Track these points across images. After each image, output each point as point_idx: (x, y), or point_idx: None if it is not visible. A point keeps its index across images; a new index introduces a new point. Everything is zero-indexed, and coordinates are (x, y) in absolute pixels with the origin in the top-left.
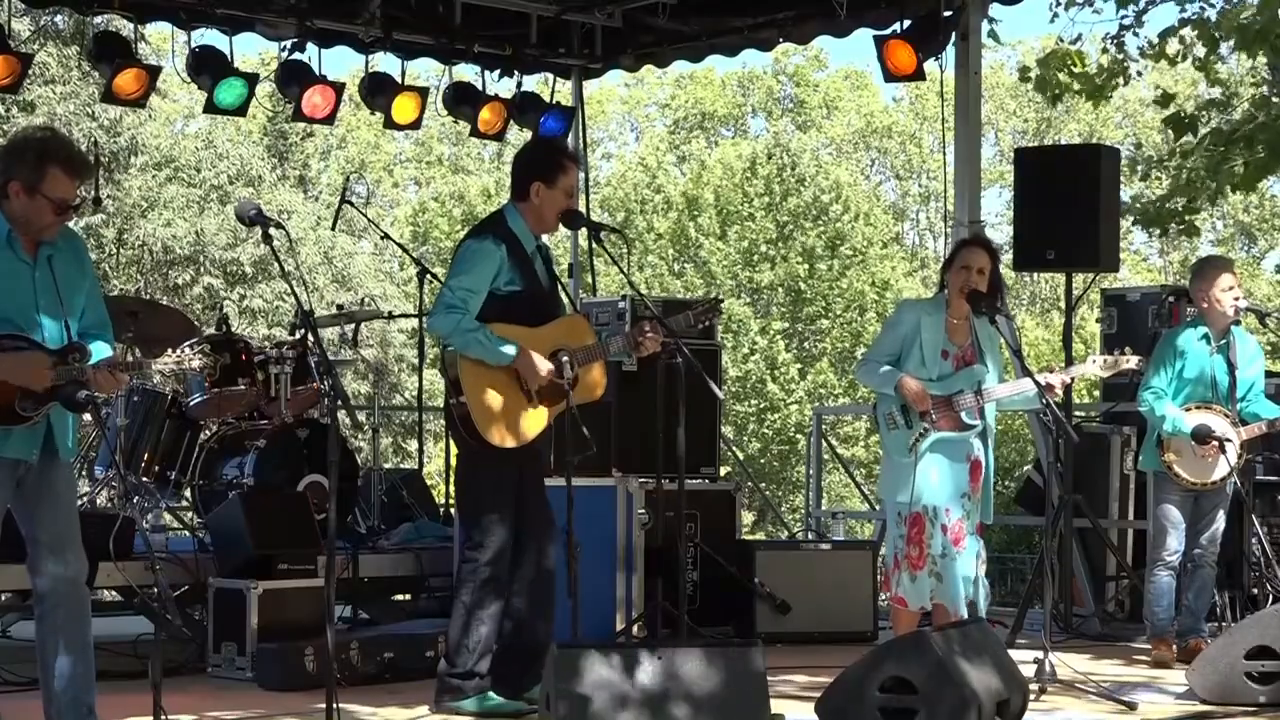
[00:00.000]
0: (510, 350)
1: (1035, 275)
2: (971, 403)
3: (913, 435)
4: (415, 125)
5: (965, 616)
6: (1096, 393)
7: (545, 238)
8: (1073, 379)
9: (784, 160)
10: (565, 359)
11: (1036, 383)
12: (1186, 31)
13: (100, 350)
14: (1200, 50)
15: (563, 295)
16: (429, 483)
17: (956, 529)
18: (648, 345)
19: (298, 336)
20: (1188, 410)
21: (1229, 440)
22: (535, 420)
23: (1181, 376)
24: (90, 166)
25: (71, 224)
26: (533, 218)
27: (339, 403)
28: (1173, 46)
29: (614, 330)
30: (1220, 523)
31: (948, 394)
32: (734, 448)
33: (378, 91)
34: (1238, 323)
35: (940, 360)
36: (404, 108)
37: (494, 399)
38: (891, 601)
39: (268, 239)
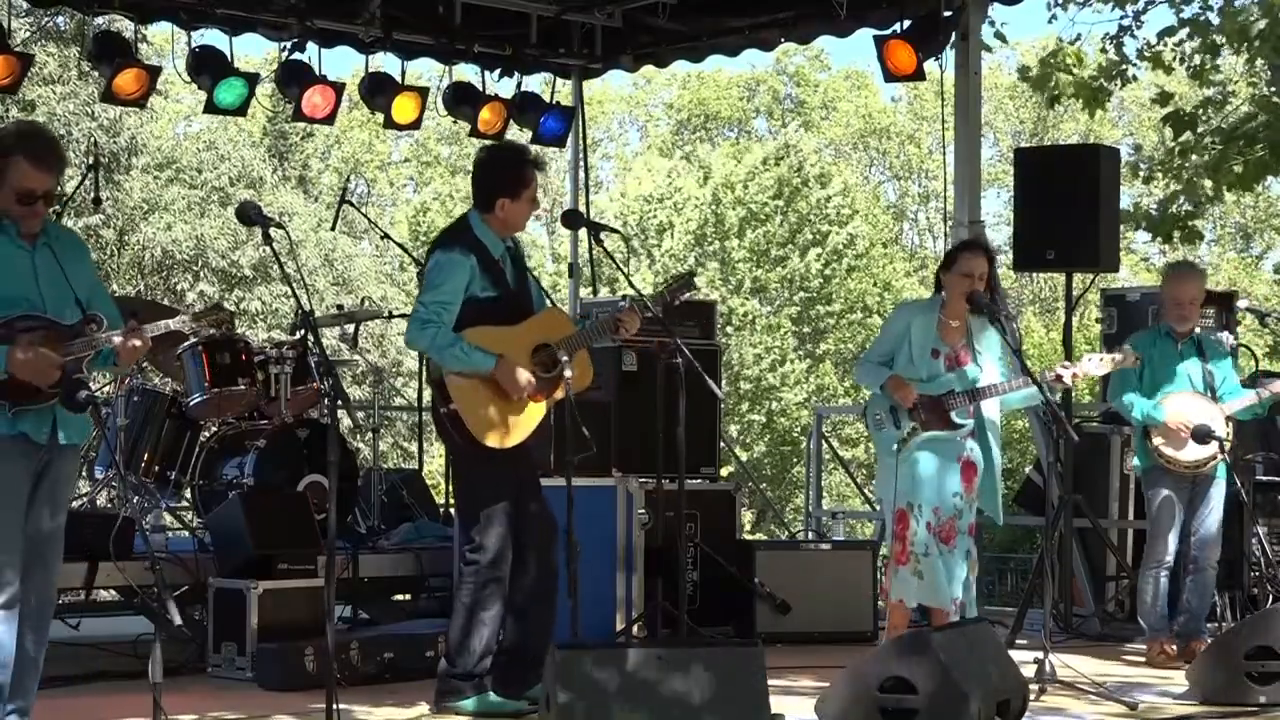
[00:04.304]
0: (489, 362)
1: (1034, 275)
2: (963, 402)
3: (901, 434)
4: (415, 125)
5: (952, 612)
6: (1097, 392)
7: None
8: (1074, 376)
9: (796, 161)
10: (564, 358)
11: (1036, 382)
12: (1184, 34)
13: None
14: (1196, 58)
15: (540, 291)
16: (429, 483)
17: (947, 527)
18: (628, 325)
19: (298, 337)
20: (1165, 399)
21: (1219, 437)
22: (529, 415)
23: (1154, 374)
24: (62, 159)
25: (70, 224)
26: (499, 225)
27: (339, 403)
28: (1169, 54)
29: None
30: (1217, 517)
31: (938, 393)
32: (734, 448)
33: (378, 91)
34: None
35: (930, 360)
36: (404, 108)
37: (484, 401)
38: (883, 595)
39: (268, 239)
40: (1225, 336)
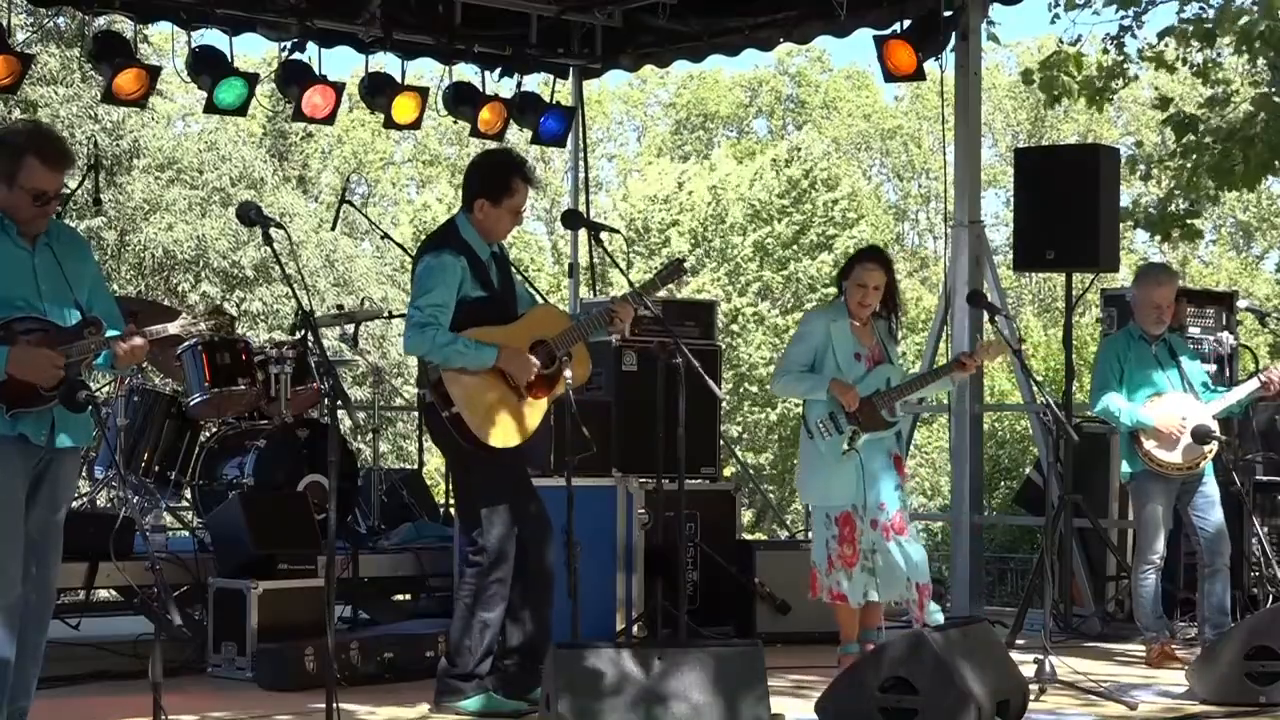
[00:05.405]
0: (492, 354)
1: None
2: (891, 399)
3: (844, 438)
4: (415, 125)
5: (913, 598)
6: None
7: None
8: (982, 360)
9: (807, 164)
10: (564, 356)
11: (1024, 364)
12: (1186, 31)
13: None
14: (1198, 55)
15: (532, 293)
16: (429, 483)
17: (898, 519)
18: (621, 316)
19: (298, 337)
20: (1150, 401)
21: (1219, 436)
22: (532, 413)
23: (1133, 377)
24: (71, 158)
25: (71, 225)
26: (480, 230)
27: (339, 403)
28: (1170, 52)
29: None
30: (1220, 515)
31: (868, 394)
32: (735, 449)
33: (378, 91)
34: (1174, 329)
35: (854, 362)
36: (404, 108)
37: (487, 402)
38: (832, 600)
39: (268, 239)
40: (1225, 337)
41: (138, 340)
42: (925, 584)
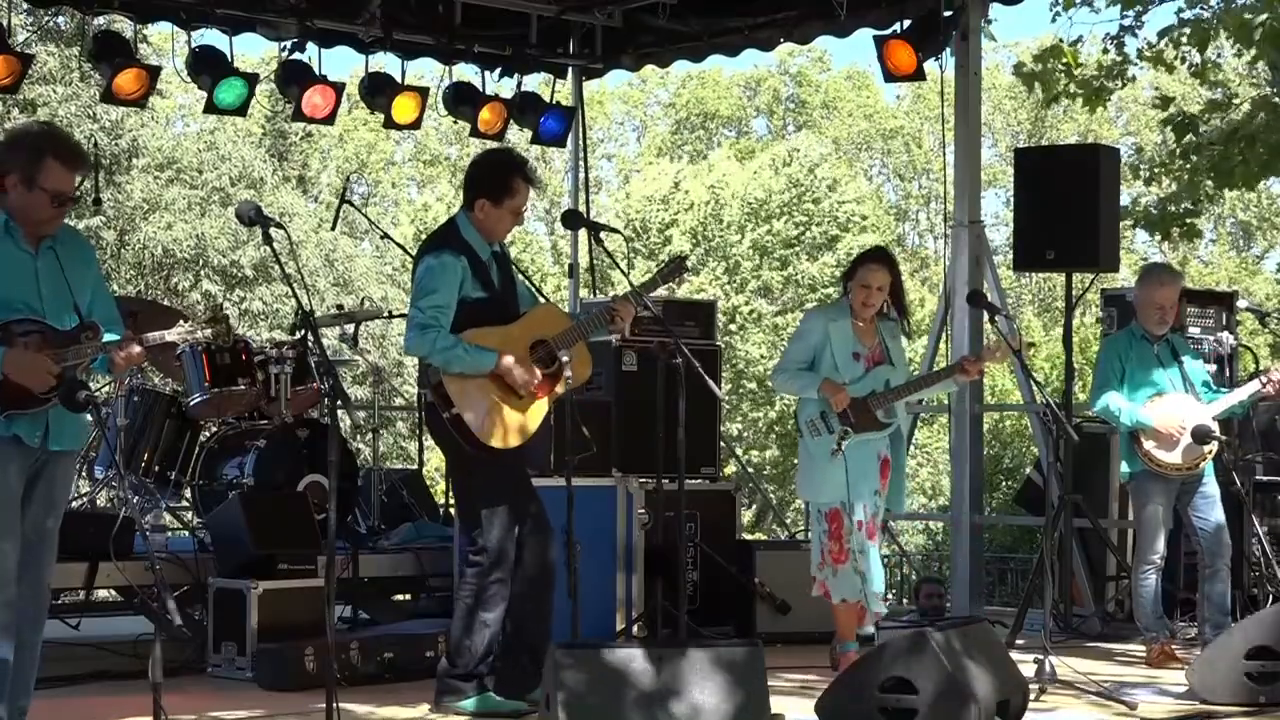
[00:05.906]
0: (491, 359)
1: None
2: (886, 401)
3: (835, 437)
4: (415, 125)
5: (880, 608)
6: None
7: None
8: (985, 364)
9: (807, 166)
10: (565, 357)
11: (1025, 364)
12: (1185, 33)
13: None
14: (1197, 56)
15: (534, 292)
16: (429, 483)
17: (872, 524)
18: (622, 314)
19: (298, 337)
20: (1150, 401)
21: (1219, 436)
22: (533, 413)
23: (1134, 377)
24: (87, 159)
25: (72, 225)
26: (481, 230)
27: (339, 403)
28: (1170, 52)
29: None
30: (1220, 517)
31: (863, 395)
32: (735, 448)
33: (378, 91)
34: (1175, 329)
35: (852, 362)
36: (404, 108)
37: (487, 403)
38: (820, 594)
39: (268, 239)
40: (1225, 337)
41: (135, 348)
42: (879, 594)
